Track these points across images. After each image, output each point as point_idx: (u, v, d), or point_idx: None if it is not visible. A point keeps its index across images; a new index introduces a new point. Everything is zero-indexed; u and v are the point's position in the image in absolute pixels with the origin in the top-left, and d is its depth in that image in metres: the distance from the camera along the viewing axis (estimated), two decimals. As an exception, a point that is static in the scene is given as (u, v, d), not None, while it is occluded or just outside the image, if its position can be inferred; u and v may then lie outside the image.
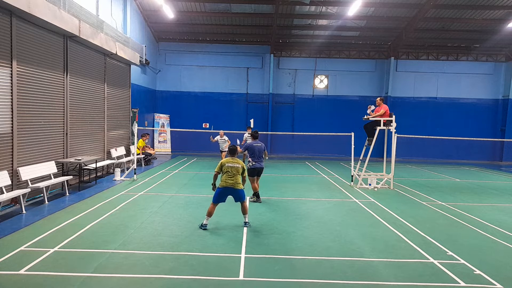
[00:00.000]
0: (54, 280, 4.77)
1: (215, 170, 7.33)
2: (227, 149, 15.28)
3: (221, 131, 16.06)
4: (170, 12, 17.40)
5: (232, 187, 7.13)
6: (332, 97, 23.02)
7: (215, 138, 15.92)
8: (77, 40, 11.04)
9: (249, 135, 16.92)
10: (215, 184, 7.43)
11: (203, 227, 7.10)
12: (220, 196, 7.20)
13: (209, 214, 7.16)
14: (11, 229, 6.75)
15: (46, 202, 8.85)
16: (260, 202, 9.41)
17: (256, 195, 9.52)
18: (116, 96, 14.59)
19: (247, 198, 8.49)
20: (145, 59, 18.78)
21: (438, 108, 22.92)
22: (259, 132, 10.19)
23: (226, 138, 15.84)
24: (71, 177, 10.28)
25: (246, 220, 7.41)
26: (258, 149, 9.44)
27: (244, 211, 7.39)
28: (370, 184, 12.05)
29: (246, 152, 9.60)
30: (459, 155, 22.69)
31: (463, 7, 18.25)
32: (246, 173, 7.48)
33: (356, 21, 19.60)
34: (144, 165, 16.21)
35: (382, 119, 11.84)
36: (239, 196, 7.28)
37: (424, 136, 18.16)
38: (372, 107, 12.54)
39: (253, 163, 9.35)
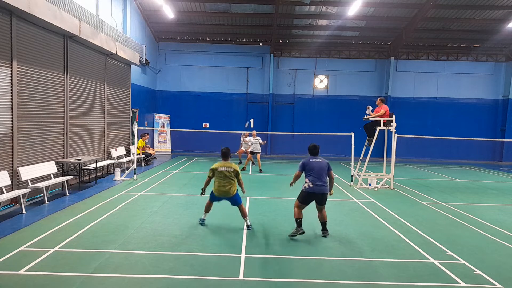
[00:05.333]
0: (54, 280, 4.78)
1: (208, 175, 7.18)
2: (259, 150, 15.57)
3: (254, 131, 15.97)
4: (170, 12, 17.39)
5: (225, 196, 7.08)
6: (332, 97, 23.02)
7: (247, 139, 15.77)
8: (77, 40, 11.04)
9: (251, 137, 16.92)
10: (204, 190, 7.29)
11: (201, 221, 7.38)
12: (215, 198, 7.28)
13: (206, 210, 7.40)
14: (11, 229, 6.75)
15: (46, 202, 8.85)
16: (303, 233, 6.82)
17: (298, 222, 6.86)
18: (116, 96, 14.59)
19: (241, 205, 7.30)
20: (145, 59, 18.78)
21: (438, 108, 22.91)
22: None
23: (259, 138, 15.72)
24: (71, 177, 10.27)
25: (248, 223, 7.20)
26: (318, 166, 6.86)
27: (242, 214, 7.21)
28: (370, 184, 12.05)
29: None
30: (459, 155, 22.69)
31: (463, 7, 18.25)
32: (240, 176, 7.18)
33: (356, 21, 19.59)
34: (144, 165, 16.21)
35: (382, 119, 11.85)
36: (234, 201, 7.20)
37: (424, 136, 18.14)
38: (371, 107, 12.56)
39: (310, 184, 6.77)
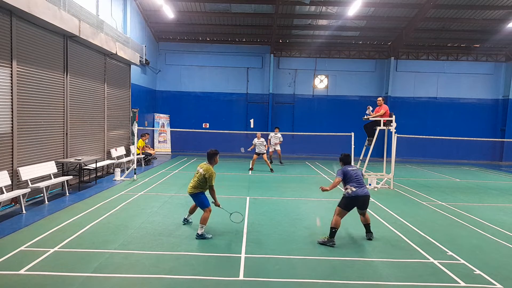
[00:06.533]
0: (54, 280, 4.78)
1: None
2: (264, 151, 15.83)
3: (258, 133, 16.22)
4: (170, 12, 17.39)
5: (189, 192, 6.81)
6: (332, 97, 23.01)
7: (254, 143, 16.07)
8: (77, 40, 11.04)
9: (275, 135, 17.41)
10: None
11: (184, 221, 7.43)
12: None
13: (190, 211, 7.46)
14: (11, 229, 6.75)
15: (46, 202, 8.85)
16: (333, 245, 6.42)
17: (332, 232, 6.52)
18: (116, 96, 14.59)
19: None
20: (145, 59, 18.77)
21: (438, 108, 22.91)
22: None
23: (264, 140, 16.10)
24: (71, 177, 10.28)
25: (199, 233, 6.51)
26: (355, 173, 6.94)
27: (200, 220, 6.57)
28: (370, 184, 12.04)
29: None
30: (459, 155, 22.68)
31: (463, 7, 18.25)
32: (213, 182, 6.64)
33: (356, 21, 19.59)
34: (144, 165, 16.21)
35: (382, 119, 11.85)
36: (196, 202, 6.86)
37: (424, 136, 18.14)
38: (371, 107, 12.58)
39: (352, 189, 6.72)
